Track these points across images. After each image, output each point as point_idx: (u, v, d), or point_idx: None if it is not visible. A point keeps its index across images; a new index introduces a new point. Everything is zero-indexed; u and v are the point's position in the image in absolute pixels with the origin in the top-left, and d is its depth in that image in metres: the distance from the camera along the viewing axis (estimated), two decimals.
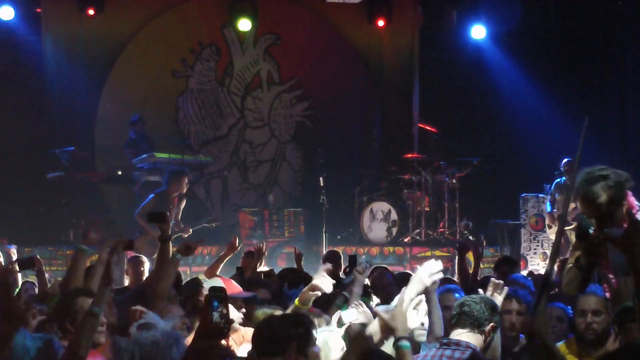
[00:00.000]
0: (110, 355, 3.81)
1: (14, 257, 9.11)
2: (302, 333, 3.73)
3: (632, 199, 4.33)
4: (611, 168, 4.33)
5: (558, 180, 12.77)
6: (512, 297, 5.24)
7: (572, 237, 10.57)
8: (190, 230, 12.37)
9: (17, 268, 6.82)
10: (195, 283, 5.99)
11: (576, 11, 14.02)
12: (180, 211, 12.67)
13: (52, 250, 11.98)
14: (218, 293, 2.97)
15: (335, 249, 10.75)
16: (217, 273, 8.10)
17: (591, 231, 4.02)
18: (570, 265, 4.40)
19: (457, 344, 4.10)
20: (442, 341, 4.26)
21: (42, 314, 5.07)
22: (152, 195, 11.96)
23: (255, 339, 3.77)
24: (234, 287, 5.75)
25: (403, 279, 6.43)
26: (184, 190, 12.08)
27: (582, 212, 4.38)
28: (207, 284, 5.76)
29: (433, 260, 4.23)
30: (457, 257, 8.18)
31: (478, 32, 14.88)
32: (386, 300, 6.15)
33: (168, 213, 7.01)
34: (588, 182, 4.26)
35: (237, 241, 8.41)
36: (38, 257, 7.36)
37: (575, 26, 14.21)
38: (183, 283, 6.51)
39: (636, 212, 4.30)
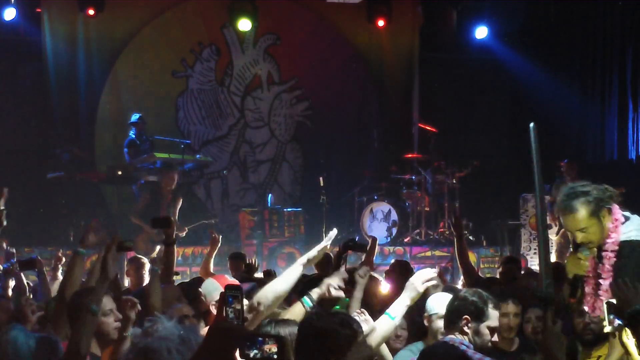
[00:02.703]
0: (130, 356, 3.66)
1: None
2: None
3: (617, 213, 4.36)
4: (594, 184, 4.40)
5: (558, 180, 12.77)
6: (509, 300, 5.29)
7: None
8: (186, 229, 12.50)
9: (18, 269, 6.83)
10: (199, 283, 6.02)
11: (577, 11, 14.01)
12: (177, 211, 12.72)
13: (52, 250, 11.93)
14: (233, 290, 2.96)
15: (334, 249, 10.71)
16: (211, 270, 8.21)
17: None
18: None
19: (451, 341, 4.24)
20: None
21: (43, 316, 5.07)
22: (136, 190, 12.43)
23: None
24: (228, 281, 5.79)
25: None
26: (173, 186, 12.35)
27: (564, 226, 4.44)
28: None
29: (428, 268, 4.35)
30: (455, 241, 7.84)
31: (480, 32, 14.88)
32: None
33: (172, 218, 7.03)
34: (569, 196, 4.38)
35: (217, 235, 8.55)
36: (39, 258, 7.36)
37: (576, 26, 14.21)
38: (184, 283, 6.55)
39: (618, 225, 4.32)
